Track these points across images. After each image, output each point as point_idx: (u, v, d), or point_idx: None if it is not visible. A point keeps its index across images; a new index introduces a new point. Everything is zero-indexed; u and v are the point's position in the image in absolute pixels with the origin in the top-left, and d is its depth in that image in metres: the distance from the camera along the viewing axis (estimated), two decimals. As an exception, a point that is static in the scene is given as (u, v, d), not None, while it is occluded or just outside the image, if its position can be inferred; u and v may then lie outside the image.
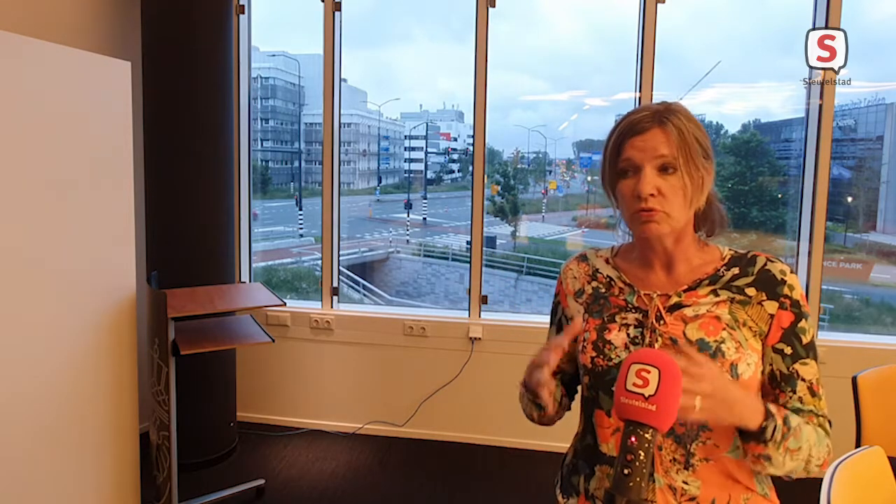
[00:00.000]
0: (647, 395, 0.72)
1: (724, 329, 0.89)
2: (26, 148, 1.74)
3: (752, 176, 3.50)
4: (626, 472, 0.69)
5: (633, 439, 0.70)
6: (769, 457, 0.84)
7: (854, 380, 1.88)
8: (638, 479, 0.68)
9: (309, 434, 3.20)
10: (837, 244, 3.36)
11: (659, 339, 0.90)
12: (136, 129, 2.41)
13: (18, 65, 1.70)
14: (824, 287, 2.94)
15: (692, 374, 0.76)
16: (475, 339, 3.09)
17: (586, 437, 1.00)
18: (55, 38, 1.85)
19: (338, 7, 3.13)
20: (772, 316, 0.90)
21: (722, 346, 0.87)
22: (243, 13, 3.20)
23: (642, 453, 0.69)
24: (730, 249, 0.97)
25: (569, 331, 0.93)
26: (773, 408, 0.83)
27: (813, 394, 0.90)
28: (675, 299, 0.93)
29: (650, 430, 0.71)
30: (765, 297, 0.90)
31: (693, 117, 0.92)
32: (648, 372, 0.73)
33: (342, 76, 3.26)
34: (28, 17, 2.50)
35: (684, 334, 0.89)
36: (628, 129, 0.91)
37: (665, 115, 0.90)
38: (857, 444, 1.85)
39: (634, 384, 0.73)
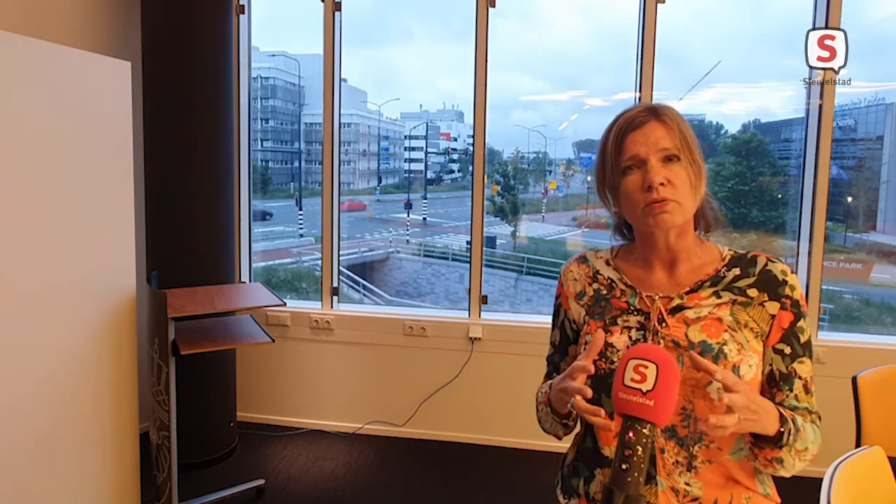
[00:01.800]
0: (644, 390, 0.72)
1: (725, 331, 0.88)
2: (26, 148, 1.74)
3: (753, 176, 3.50)
4: (624, 467, 0.69)
5: (631, 434, 0.70)
6: (781, 459, 0.85)
7: (854, 380, 1.87)
8: (636, 473, 0.68)
9: (309, 434, 3.20)
10: (837, 244, 3.35)
11: (661, 341, 0.90)
12: (136, 129, 2.41)
13: (18, 65, 1.70)
14: (824, 287, 2.94)
15: (732, 387, 0.76)
16: (475, 339, 3.09)
17: (587, 440, 1.00)
18: (55, 38, 1.85)
19: (338, 7, 3.13)
20: (773, 316, 0.90)
21: (724, 347, 0.87)
22: (243, 13, 3.20)
23: (640, 448, 0.69)
24: (729, 250, 0.97)
25: (591, 351, 0.88)
26: (783, 411, 0.84)
27: (807, 391, 0.91)
28: (676, 301, 0.92)
29: (648, 425, 0.71)
30: (766, 298, 0.90)
31: (682, 116, 0.94)
32: (646, 367, 0.73)
33: (342, 76, 3.26)
34: (28, 17, 2.50)
35: (686, 336, 0.89)
36: (627, 125, 0.92)
37: (659, 110, 0.92)
38: (857, 444, 1.85)
39: (632, 379, 0.73)
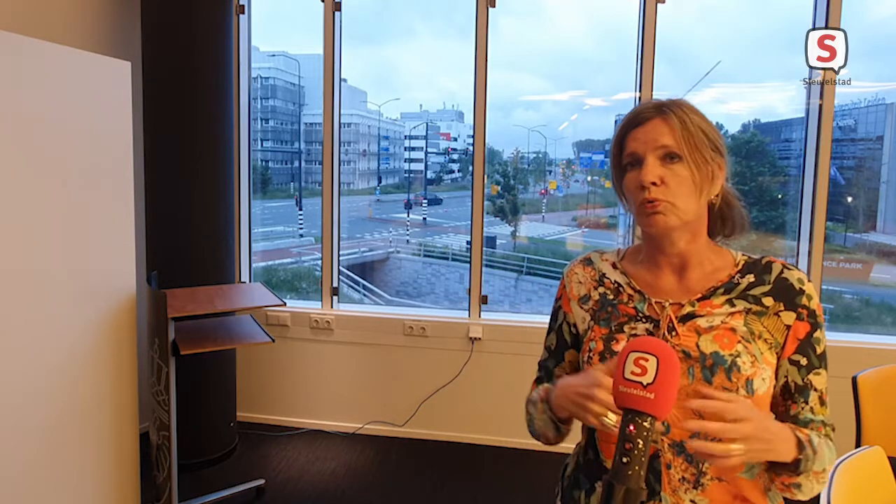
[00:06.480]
0: (645, 383, 0.71)
1: (739, 342, 0.85)
2: (26, 148, 1.74)
3: (753, 176, 3.50)
4: (624, 460, 0.68)
5: (631, 428, 0.70)
6: (799, 485, 0.82)
7: (854, 380, 1.88)
8: (637, 467, 0.68)
9: (309, 434, 3.20)
10: (837, 244, 3.35)
11: None
12: (136, 129, 2.41)
13: (18, 65, 1.70)
14: (824, 287, 2.94)
15: (734, 418, 0.73)
16: (475, 339, 3.09)
17: (588, 452, 0.97)
18: (55, 38, 1.85)
19: (338, 7, 3.13)
20: (788, 327, 0.87)
21: (737, 360, 0.84)
22: (243, 13, 3.20)
23: (641, 442, 0.69)
24: (742, 255, 0.93)
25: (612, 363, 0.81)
26: (801, 435, 0.81)
27: (822, 403, 0.88)
28: (688, 308, 0.88)
29: (648, 419, 0.70)
30: (782, 308, 0.87)
31: (699, 111, 0.90)
32: (646, 360, 0.72)
33: (342, 76, 3.26)
34: (28, 16, 2.50)
35: (697, 346, 0.85)
36: (629, 122, 0.90)
37: (667, 107, 0.88)
38: (857, 444, 1.85)
39: (633, 372, 0.72)
